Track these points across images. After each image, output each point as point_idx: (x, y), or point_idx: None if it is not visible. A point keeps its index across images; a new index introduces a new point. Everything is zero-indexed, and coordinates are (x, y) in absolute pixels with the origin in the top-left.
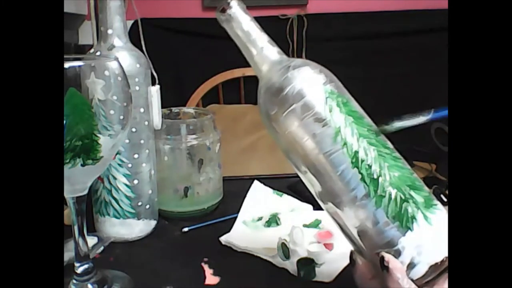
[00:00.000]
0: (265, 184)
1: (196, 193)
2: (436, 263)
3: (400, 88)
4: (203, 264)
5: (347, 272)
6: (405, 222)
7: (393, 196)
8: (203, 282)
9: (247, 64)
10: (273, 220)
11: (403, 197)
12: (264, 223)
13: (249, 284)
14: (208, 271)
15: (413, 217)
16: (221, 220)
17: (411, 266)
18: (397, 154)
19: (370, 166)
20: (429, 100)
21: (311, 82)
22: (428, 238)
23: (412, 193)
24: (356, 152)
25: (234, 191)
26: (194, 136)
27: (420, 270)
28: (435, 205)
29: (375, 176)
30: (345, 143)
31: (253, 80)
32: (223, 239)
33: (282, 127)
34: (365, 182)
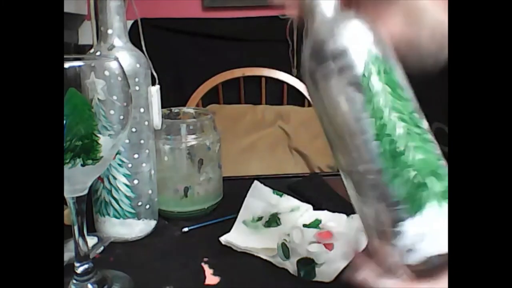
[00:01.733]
0: (265, 184)
1: (196, 193)
2: (438, 255)
3: None
4: (203, 264)
5: (347, 272)
6: (415, 206)
7: (410, 178)
8: (203, 282)
9: (247, 64)
10: (273, 220)
11: (421, 181)
12: (264, 223)
13: (249, 284)
14: (208, 271)
15: (425, 204)
16: (221, 220)
17: (409, 250)
18: (429, 136)
19: (394, 142)
20: (429, 100)
21: (356, 42)
22: (435, 228)
23: (431, 179)
24: (383, 126)
25: (234, 191)
26: (194, 136)
27: (417, 257)
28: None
29: (397, 154)
30: (374, 113)
31: (253, 80)
32: (223, 239)
33: (318, 84)
34: (384, 157)
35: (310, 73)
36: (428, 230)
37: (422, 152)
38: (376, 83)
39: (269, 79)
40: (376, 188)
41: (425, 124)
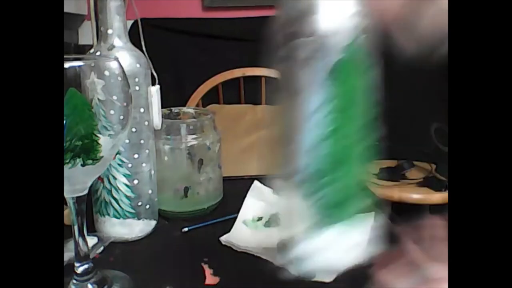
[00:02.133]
0: (265, 184)
1: (196, 193)
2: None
3: (400, 88)
4: (203, 264)
5: (347, 272)
6: (323, 222)
7: (331, 194)
8: (203, 282)
9: (247, 64)
10: (273, 220)
11: (341, 198)
12: (264, 223)
13: (249, 284)
14: (208, 271)
15: (333, 221)
16: (221, 220)
17: (298, 259)
18: (367, 154)
19: (330, 155)
20: (429, 100)
21: (341, 29)
22: (317, 247)
23: (352, 199)
24: (327, 135)
25: (234, 191)
26: (194, 136)
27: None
28: (367, 218)
29: (329, 166)
30: (325, 117)
31: (253, 80)
32: (223, 239)
33: (286, 61)
34: (316, 165)
35: (279, 49)
36: (323, 246)
37: (354, 170)
38: (346, 84)
39: (269, 79)
40: (297, 191)
41: (371, 137)
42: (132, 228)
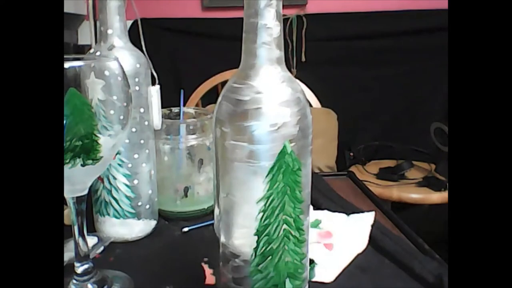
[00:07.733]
0: None
1: (196, 193)
2: None
3: (400, 88)
4: (203, 264)
5: (347, 272)
6: None
7: (268, 277)
8: (203, 282)
9: None
10: None
11: (276, 282)
12: None
13: None
14: (208, 271)
15: None
16: None
17: None
18: (304, 236)
19: (269, 243)
20: (429, 100)
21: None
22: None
23: (286, 281)
24: (267, 225)
25: None
26: (194, 136)
27: None
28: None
29: (265, 254)
30: (264, 210)
31: None
32: None
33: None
34: (254, 251)
35: (224, 118)
36: None
37: (291, 255)
38: (279, 183)
39: None
40: (239, 272)
41: (307, 221)
42: (132, 228)
